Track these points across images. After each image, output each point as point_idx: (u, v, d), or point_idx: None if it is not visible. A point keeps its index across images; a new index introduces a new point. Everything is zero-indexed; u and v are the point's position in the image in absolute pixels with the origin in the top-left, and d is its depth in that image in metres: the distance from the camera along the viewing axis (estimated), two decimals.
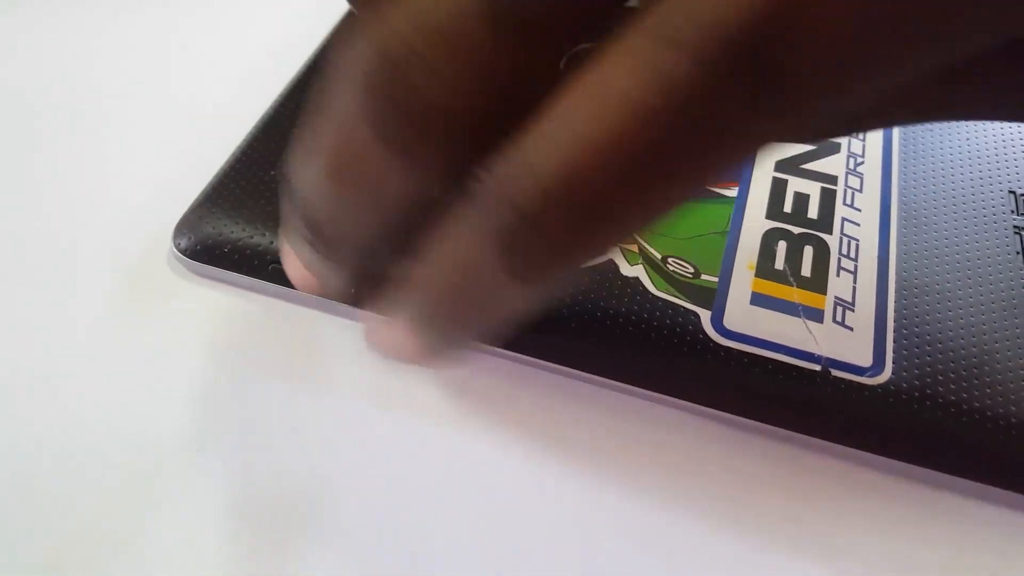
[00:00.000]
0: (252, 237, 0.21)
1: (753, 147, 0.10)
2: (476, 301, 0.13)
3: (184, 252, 0.21)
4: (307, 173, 0.13)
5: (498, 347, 0.19)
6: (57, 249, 0.22)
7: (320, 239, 0.14)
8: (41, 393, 0.19)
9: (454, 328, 0.14)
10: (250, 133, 0.23)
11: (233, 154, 0.23)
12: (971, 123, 0.24)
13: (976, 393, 0.18)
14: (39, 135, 0.25)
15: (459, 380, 0.19)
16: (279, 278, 0.20)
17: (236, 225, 0.21)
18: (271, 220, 0.21)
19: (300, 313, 0.21)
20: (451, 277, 0.12)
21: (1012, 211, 0.22)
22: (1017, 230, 0.21)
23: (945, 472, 0.18)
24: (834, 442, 0.18)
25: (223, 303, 0.21)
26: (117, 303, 0.21)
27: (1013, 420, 0.17)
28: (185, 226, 0.21)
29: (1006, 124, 0.24)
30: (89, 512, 0.17)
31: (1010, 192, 0.22)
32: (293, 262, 0.16)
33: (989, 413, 0.18)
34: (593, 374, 0.19)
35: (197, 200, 0.22)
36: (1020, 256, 0.21)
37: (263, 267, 0.20)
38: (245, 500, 0.17)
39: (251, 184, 0.22)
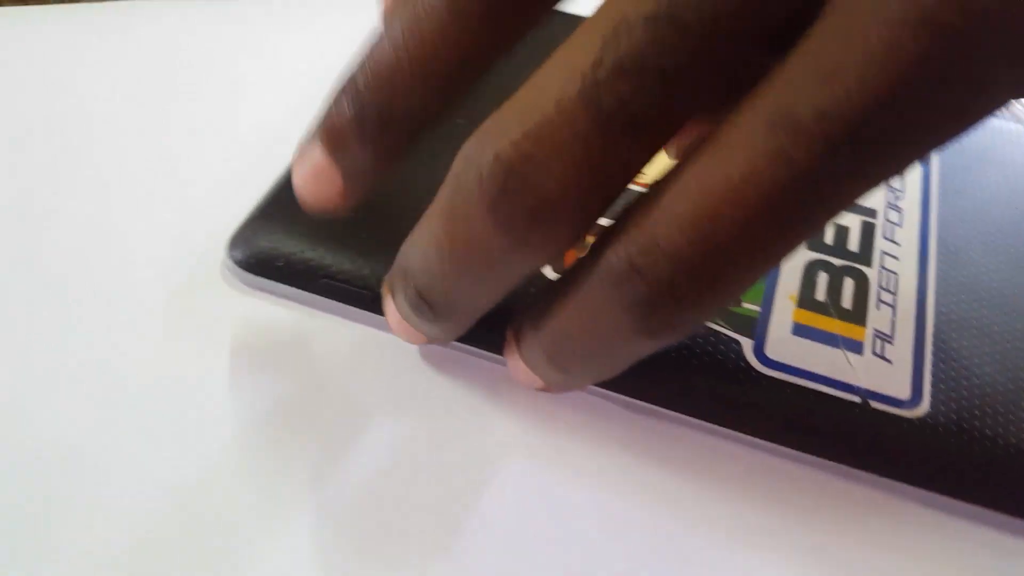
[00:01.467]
0: (305, 252, 0.21)
1: (851, 203, 0.12)
2: (605, 350, 0.14)
3: (238, 264, 0.21)
4: (422, 254, 0.15)
5: None
6: (116, 255, 0.22)
7: (432, 310, 0.16)
8: (97, 397, 0.19)
9: (581, 372, 0.15)
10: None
11: (288, 168, 0.23)
12: (1011, 159, 0.24)
13: (1013, 428, 0.18)
14: (108, 140, 0.25)
15: (497, 396, 0.20)
16: (331, 292, 0.21)
17: (290, 239, 0.21)
18: (324, 235, 0.21)
19: (352, 328, 0.21)
20: (582, 329, 0.14)
21: None
22: None
23: (982, 506, 0.18)
24: (872, 472, 0.18)
25: (275, 315, 0.21)
26: (171, 312, 0.21)
27: None
28: (240, 238, 0.22)
29: None
30: (143, 525, 0.17)
31: None
32: (393, 313, 0.17)
33: None
34: (632, 398, 0.19)
35: (252, 213, 0.22)
36: None
37: (315, 281, 0.21)
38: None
39: None
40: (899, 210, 0.23)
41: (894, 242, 0.22)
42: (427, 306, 0.16)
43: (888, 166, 0.11)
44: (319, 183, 0.16)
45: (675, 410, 0.19)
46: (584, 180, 0.12)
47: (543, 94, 0.12)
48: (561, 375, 0.15)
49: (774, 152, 0.11)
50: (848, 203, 0.12)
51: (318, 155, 0.15)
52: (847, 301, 0.20)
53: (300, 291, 0.21)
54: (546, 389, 0.17)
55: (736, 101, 0.12)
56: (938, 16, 0.10)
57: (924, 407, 0.18)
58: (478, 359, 0.20)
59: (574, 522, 0.18)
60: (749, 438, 0.19)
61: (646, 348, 0.13)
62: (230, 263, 0.22)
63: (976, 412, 0.18)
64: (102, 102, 0.27)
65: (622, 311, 0.13)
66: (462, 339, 0.20)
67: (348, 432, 0.19)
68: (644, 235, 0.12)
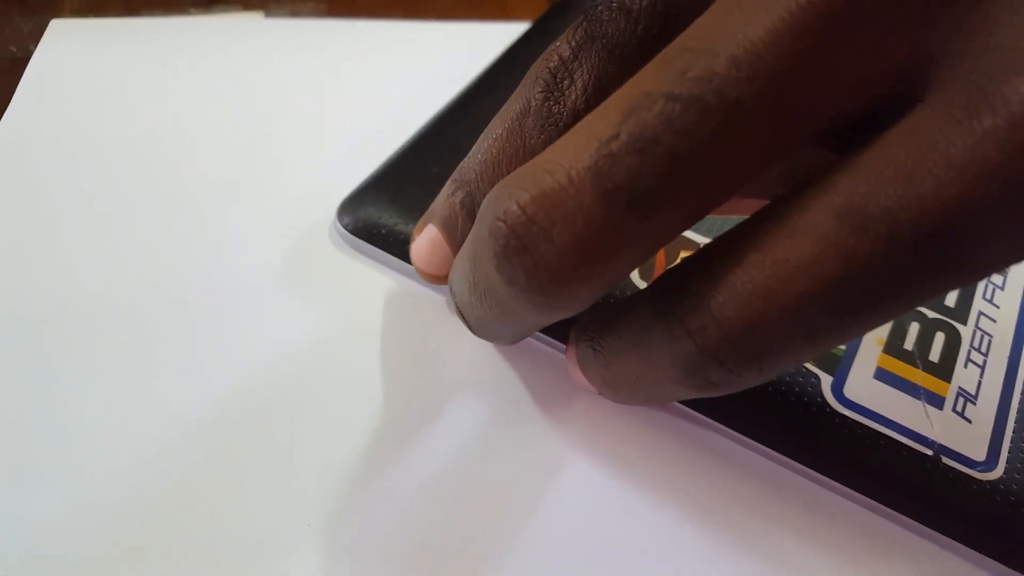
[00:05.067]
0: (408, 224, 0.22)
1: (920, 303, 0.12)
2: (655, 394, 0.15)
3: (346, 228, 0.23)
4: (458, 279, 0.16)
5: None
6: (237, 217, 0.24)
7: (470, 328, 0.17)
8: (216, 347, 0.21)
9: (634, 402, 0.16)
10: (417, 133, 0.25)
11: (399, 149, 0.25)
12: None
13: None
14: (250, 126, 0.27)
15: (584, 411, 0.20)
16: None
17: (393, 210, 0.23)
18: (423, 210, 0.22)
19: (441, 299, 0.22)
20: (636, 378, 0.15)
21: None
22: None
23: None
24: (934, 528, 0.18)
25: (377, 280, 0.23)
26: (286, 268, 0.23)
27: None
28: (348, 205, 0.23)
29: None
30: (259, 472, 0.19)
31: None
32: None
33: None
34: (710, 419, 0.19)
35: (362, 184, 0.24)
36: None
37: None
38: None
39: (413, 177, 0.23)
40: (1004, 274, 0.22)
41: (994, 304, 0.21)
42: (465, 323, 0.17)
43: (953, 277, 0.11)
44: (433, 253, 0.18)
45: (745, 434, 0.19)
46: (584, 252, 0.12)
47: (560, 159, 0.12)
48: (613, 393, 0.16)
49: (838, 244, 0.11)
50: (906, 306, 0.11)
51: (434, 232, 0.18)
52: (935, 355, 0.20)
53: (397, 259, 0.22)
54: (602, 394, 0.18)
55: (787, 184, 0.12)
56: None
57: (998, 472, 0.18)
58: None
59: (629, 528, 0.18)
60: (815, 473, 0.19)
61: (691, 395, 0.14)
62: (339, 227, 0.23)
63: None
64: (233, 105, 0.29)
65: (669, 362, 0.13)
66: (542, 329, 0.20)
67: (418, 404, 0.20)
68: (700, 297, 0.12)
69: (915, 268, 0.11)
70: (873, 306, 0.11)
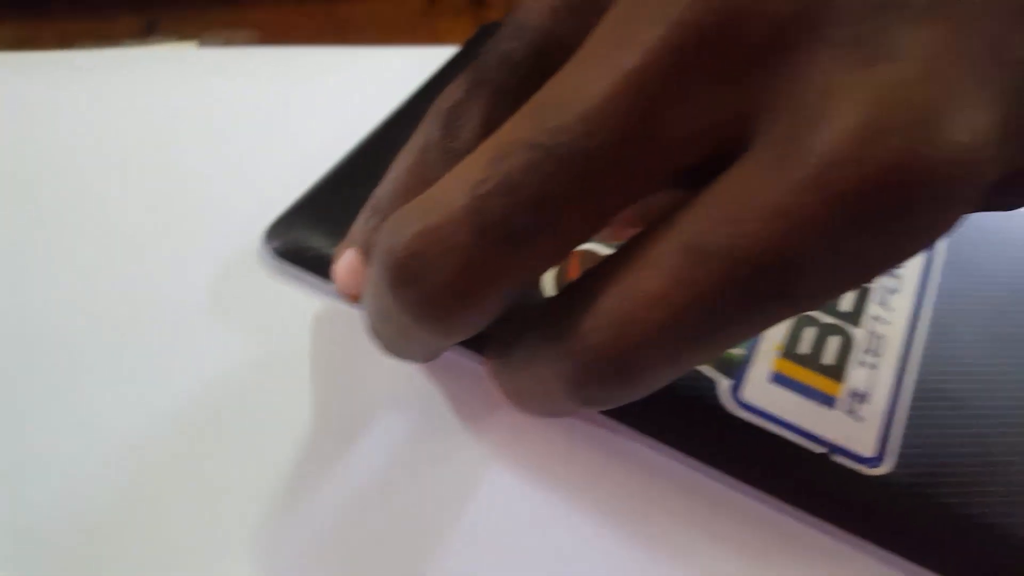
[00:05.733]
0: (333, 247, 0.23)
1: (765, 327, 0.13)
2: (554, 410, 0.16)
3: (274, 251, 0.24)
4: (367, 301, 0.17)
5: None
6: (167, 240, 0.25)
7: (382, 347, 0.18)
8: (139, 371, 0.21)
9: (542, 415, 0.17)
10: (345, 157, 0.26)
11: (326, 173, 0.25)
12: (1016, 239, 0.25)
13: (973, 500, 0.19)
14: (178, 154, 0.28)
15: (506, 425, 0.21)
16: None
17: (321, 233, 0.23)
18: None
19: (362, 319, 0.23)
20: (531, 387, 0.15)
21: None
22: None
23: (929, 569, 0.19)
24: (827, 521, 0.19)
25: (304, 302, 0.23)
26: (215, 291, 0.23)
27: (1003, 532, 0.18)
28: (276, 229, 0.24)
29: None
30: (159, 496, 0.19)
31: None
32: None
33: (980, 522, 0.19)
34: (611, 419, 0.20)
35: (289, 208, 0.24)
36: None
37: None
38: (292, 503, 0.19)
39: (339, 200, 0.24)
40: (899, 277, 0.23)
41: (888, 307, 0.23)
42: (377, 343, 0.18)
43: (787, 305, 0.12)
44: (351, 275, 0.19)
45: (651, 437, 0.20)
46: (465, 283, 0.13)
47: (442, 197, 0.13)
48: (520, 406, 0.17)
49: (683, 277, 0.12)
50: (752, 330, 0.13)
51: (352, 255, 0.19)
52: (829, 357, 0.21)
53: (323, 281, 0.23)
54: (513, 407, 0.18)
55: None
56: (834, 184, 0.11)
57: (886, 467, 0.19)
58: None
59: (546, 532, 0.19)
60: (717, 473, 0.20)
61: (583, 410, 0.15)
62: (267, 250, 0.24)
63: (938, 480, 0.19)
64: (166, 133, 0.29)
65: (556, 381, 0.14)
66: (460, 343, 0.21)
67: (344, 420, 0.21)
68: (577, 323, 0.13)
69: (751, 298, 0.12)
70: (721, 330, 0.13)
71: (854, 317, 0.22)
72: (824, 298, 0.12)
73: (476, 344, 0.21)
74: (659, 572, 0.19)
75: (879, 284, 0.23)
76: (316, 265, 0.23)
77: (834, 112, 0.11)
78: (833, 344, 0.21)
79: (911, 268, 0.24)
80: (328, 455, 0.20)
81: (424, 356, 0.19)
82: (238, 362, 0.22)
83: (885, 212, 0.11)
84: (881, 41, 0.11)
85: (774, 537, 0.19)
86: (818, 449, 0.19)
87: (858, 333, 0.22)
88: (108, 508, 0.19)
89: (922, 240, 0.12)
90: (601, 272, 0.14)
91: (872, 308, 0.22)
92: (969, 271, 0.24)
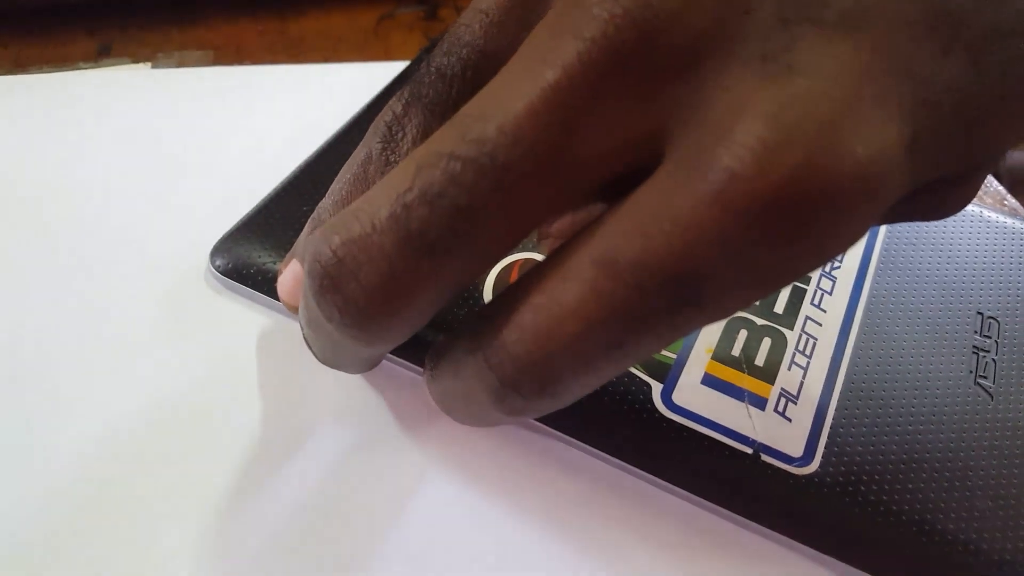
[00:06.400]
0: (277, 263, 0.23)
1: (677, 336, 0.13)
2: (477, 415, 0.16)
3: (218, 269, 0.24)
4: (303, 321, 0.17)
5: None
6: (117, 260, 0.25)
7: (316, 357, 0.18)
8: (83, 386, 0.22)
9: (472, 425, 0.17)
10: (291, 174, 0.26)
11: (272, 191, 0.26)
12: (950, 243, 0.25)
13: (896, 497, 0.19)
14: (124, 178, 0.28)
15: (448, 434, 0.22)
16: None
17: (264, 251, 0.24)
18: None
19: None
20: (456, 394, 0.16)
21: (975, 332, 0.23)
22: (976, 350, 0.22)
23: (856, 567, 0.19)
24: (754, 520, 0.19)
25: (249, 318, 0.24)
26: (161, 309, 0.24)
27: (927, 528, 0.19)
28: (221, 247, 0.24)
29: (983, 246, 0.25)
30: (109, 514, 0.20)
31: (978, 313, 0.23)
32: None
33: (904, 518, 0.19)
34: (545, 425, 0.21)
35: (234, 227, 0.25)
36: (972, 376, 0.22)
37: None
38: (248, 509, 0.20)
39: (283, 217, 0.25)
40: (833, 279, 0.24)
41: (821, 309, 0.23)
42: (313, 353, 0.18)
43: (698, 314, 0.13)
44: (296, 287, 0.20)
45: (584, 442, 0.21)
46: (388, 291, 0.13)
47: (367, 207, 0.14)
48: (452, 415, 0.17)
49: (596, 289, 0.12)
50: (665, 339, 0.13)
51: (297, 267, 0.20)
52: (761, 359, 0.22)
53: (267, 297, 0.23)
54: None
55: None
56: (737, 198, 0.11)
57: (813, 467, 0.20)
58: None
59: (483, 535, 0.19)
60: (648, 475, 0.20)
61: (509, 419, 0.15)
62: (212, 268, 0.24)
63: (863, 478, 0.19)
64: (117, 154, 0.30)
65: (481, 391, 0.14)
66: (400, 354, 0.22)
67: (289, 431, 0.21)
68: (499, 335, 0.14)
69: (662, 308, 0.12)
70: (635, 340, 0.13)
71: (788, 319, 0.23)
72: (733, 307, 0.13)
73: (415, 355, 0.22)
74: (592, 571, 0.19)
75: (813, 286, 0.24)
76: (259, 282, 0.23)
77: (739, 127, 0.11)
78: (766, 346, 0.22)
79: (846, 270, 0.24)
80: (274, 464, 0.20)
81: (357, 366, 0.19)
82: (185, 380, 0.22)
83: (787, 225, 0.11)
84: (789, 57, 0.12)
85: (705, 536, 0.20)
86: (747, 450, 0.20)
87: (790, 335, 0.22)
88: (51, 524, 0.19)
89: (826, 252, 0.12)
90: (523, 284, 0.14)
91: (806, 309, 0.23)
92: (902, 272, 0.24)
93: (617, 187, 0.14)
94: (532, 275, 0.14)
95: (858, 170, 0.11)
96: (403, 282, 0.13)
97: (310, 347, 0.18)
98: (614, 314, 0.12)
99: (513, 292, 0.14)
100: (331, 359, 0.18)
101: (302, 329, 0.18)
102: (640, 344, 0.13)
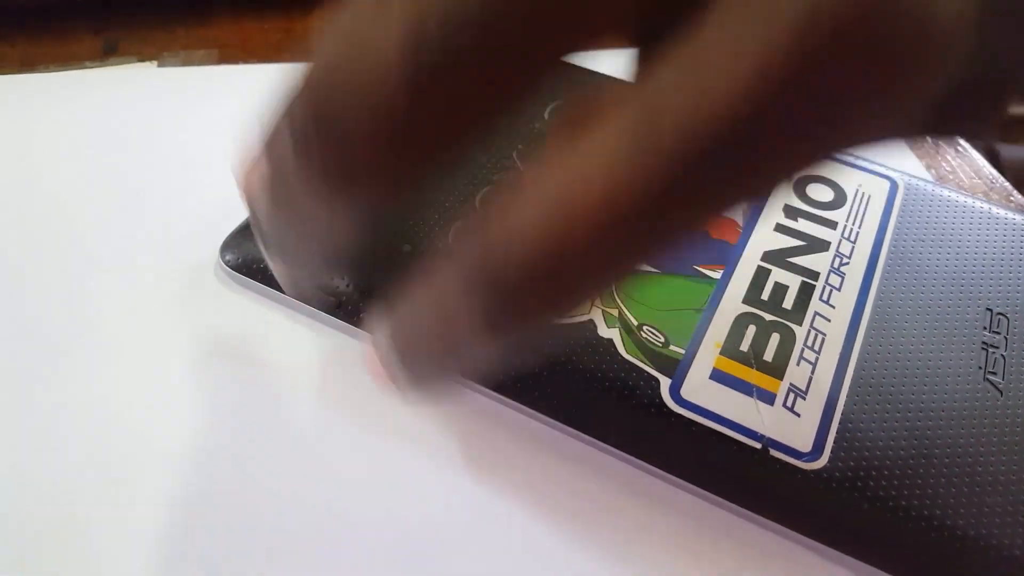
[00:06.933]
0: None
1: (716, 208, 0.11)
2: (452, 346, 0.14)
3: (228, 264, 0.24)
4: (256, 198, 0.15)
5: (467, 383, 0.21)
6: (127, 256, 0.25)
7: (276, 253, 0.16)
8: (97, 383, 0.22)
9: (429, 367, 0.15)
10: None
11: None
12: (959, 239, 0.25)
13: (905, 493, 0.19)
14: (135, 173, 0.29)
15: (441, 412, 0.22)
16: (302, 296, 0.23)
17: None
18: None
19: (320, 330, 0.23)
20: (431, 323, 0.14)
21: (984, 328, 0.23)
22: (985, 346, 0.22)
23: (863, 562, 0.19)
24: (762, 515, 0.19)
25: (259, 313, 0.24)
26: (172, 305, 0.24)
27: (936, 523, 0.19)
28: (231, 243, 0.24)
29: (992, 242, 0.25)
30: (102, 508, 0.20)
31: (987, 309, 0.23)
32: (274, 267, 0.18)
33: (913, 513, 0.19)
34: (555, 420, 0.21)
35: (244, 222, 0.25)
36: (981, 372, 0.22)
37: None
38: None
39: None
40: (842, 275, 0.24)
41: (830, 305, 0.23)
42: (273, 252, 0.16)
43: (743, 189, 0.11)
44: (285, 287, 0.18)
45: (588, 434, 0.21)
46: (388, 139, 0.12)
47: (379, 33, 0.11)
48: (404, 362, 0.15)
49: (633, 161, 0.10)
50: (701, 221, 0.11)
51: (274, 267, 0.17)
52: (769, 354, 0.22)
53: (278, 293, 0.23)
54: (395, 384, 0.16)
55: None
56: (818, 26, 0.10)
57: (822, 462, 0.20)
58: None
59: (483, 527, 0.19)
60: (656, 470, 0.20)
61: (488, 343, 0.13)
62: (222, 264, 0.24)
63: (872, 474, 0.19)
64: (126, 152, 0.30)
65: (468, 295, 0.12)
66: None
67: (297, 426, 0.21)
68: (500, 228, 0.12)
69: (708, 181, 0.11)
70: (672, 220, 0.11)
71: (796, 315, 0.22)
72: (782, 166, 0.11)
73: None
74: (600, 568, 0.19)
75: (822, 282, 0.24)
76: (269, 277, 0.23)
77: None
78: (774, 341, 0.22)
79: (855, 266, 0.24)
80: (283, 457, 0.20)
81: (319, 273, 0.16)
82: (195, 376, 0.22)
83: (867, 55, 0.10)
84: None
85: (712, 531, 0.20)
86: (755, 444, 0.20)
87: (799, 331, 0.22)
88: (59, 519, 0.19)
89: (891, 99, 0.10)
90: (526, 177, 0.12)
91: (815, 305, 0.23)
92: (911, 269, 0.24)
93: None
94: (538, 165, 0.12)
95: (936, 24, 0.10)
96: (412, 123, 0.11)
97: (264, 246, 0.16)
98: (652, 186, 0.10)
99: (514, 187, 0.12)
100: (296, 263, 0.16)
101: (262, 244, 0.16)
102: (671, 228, 0.11)
